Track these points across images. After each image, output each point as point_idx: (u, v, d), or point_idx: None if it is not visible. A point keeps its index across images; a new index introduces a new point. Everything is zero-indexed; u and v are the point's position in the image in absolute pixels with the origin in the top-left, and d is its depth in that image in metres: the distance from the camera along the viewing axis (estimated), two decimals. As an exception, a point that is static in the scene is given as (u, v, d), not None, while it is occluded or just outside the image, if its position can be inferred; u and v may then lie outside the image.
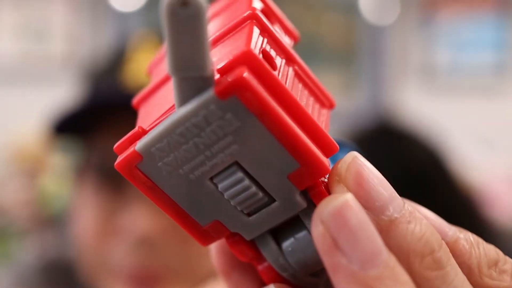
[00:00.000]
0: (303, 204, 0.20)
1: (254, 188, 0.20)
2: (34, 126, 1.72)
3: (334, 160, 0.21)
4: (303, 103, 0.21)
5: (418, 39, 1.96)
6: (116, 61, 0.64)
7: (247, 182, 0.20)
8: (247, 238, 0.22)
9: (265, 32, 0.21)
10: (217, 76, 0.19)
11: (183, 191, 0.20)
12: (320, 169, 0.20)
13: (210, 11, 0.24)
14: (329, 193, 0.20)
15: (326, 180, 0.21)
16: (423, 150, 0.93)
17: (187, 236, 0.23)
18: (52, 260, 0.70)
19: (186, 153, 0.19)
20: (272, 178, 0.20)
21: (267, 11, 0.23)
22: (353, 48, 2.02)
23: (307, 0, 2.04)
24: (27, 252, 0.76)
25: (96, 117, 0.59)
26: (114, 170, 0.21)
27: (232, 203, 0.20)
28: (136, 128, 0.20)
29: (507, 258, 0.21)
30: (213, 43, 0.22)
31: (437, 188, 0.94)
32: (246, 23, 0.21)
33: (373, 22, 1.96)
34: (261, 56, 0.19)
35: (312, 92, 0.22)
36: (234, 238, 0.22)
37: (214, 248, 0.24)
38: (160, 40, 0.64)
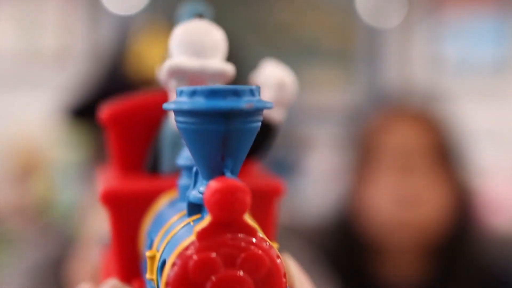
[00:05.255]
0: None
1: None
2: (26, 125, 1.70)
3: None
4: None
5: (422, 38, 1.95)
6: (125, 51, 0.65)
7: None
8: None
9: None
10: None
11: None
12: None
13: None
14: None
15: None
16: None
17: None
18: (56, 258, 0.70)
19: None
20: None
21: None
22: (355, 50, 2.01)
23: (307, 2, 2.03)
24: (31, 252, 0.76)
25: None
26: None
27: None
28: None
29: None
30: None
31: None
32: None
33: (375, 25, 1.96)
34: None
35: None
36: None
37: None
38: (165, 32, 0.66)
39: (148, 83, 0.58)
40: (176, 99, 0.21)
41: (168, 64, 0.25)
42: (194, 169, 0.22)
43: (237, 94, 0.20)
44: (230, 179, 0.19)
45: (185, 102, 0.20)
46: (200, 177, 0.22)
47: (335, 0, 2.02)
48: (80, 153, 0.70)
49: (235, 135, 0.20)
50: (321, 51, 2.00)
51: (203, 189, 0.20)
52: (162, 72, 0.26)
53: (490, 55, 1.91)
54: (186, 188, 0.23)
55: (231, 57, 0.28)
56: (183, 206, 0.23)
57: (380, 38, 1.97)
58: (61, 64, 1.86)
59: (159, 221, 0.24)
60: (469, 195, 0.97)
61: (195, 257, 0.19)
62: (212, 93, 0.19)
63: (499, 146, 1.74)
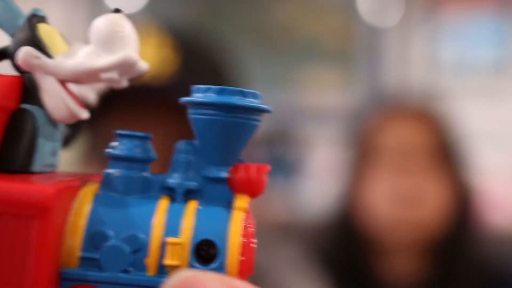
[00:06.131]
0: None
1: None
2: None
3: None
4: None
5: (421, 38, 1.95)
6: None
7: None
8: None
9: None
10: None
11: None
12: None
13: None
14: None
15: None
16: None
17: None
18: None
19: None
20: None
21: None
22: (355, 50, 2.01)
23: (307, 2, 2.03)
24: None
25: (104, 99, 0.57)
26: None
27: None
28: None
29: None
30: None
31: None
32: None
33: (375, 25, 1.95)
34: None
35: None
36: None
37: None
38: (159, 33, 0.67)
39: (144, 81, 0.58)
40: (194, 95, 0.24)
41: (124, 56, 0.24)
42: (176, 159, 0.24)
43: (243, 94, 0.24)
44: (256, 164, 0.24)
45: (205, 97, 0.23)
46: (203, 164, 0.24)
47: (335, 0, 2.02)
48: (78, 152, 0.70)
49: (245, 128, 0.24)
50: (321, 51, 2.00)
51: (225, 174, 0.24)
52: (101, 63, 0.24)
53: (490, 55, 1.91)
54: (126, 178, 0.23)
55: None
56: (129, 199, 0.23)
57: (380, 38, 1.97)
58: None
59: (116, 216, 0.23)
60: (468, 194, 0.97)
61: (251, 230, 0.23)
62: (225, 92, 0.23)
63: (499, 146, 1.74)
